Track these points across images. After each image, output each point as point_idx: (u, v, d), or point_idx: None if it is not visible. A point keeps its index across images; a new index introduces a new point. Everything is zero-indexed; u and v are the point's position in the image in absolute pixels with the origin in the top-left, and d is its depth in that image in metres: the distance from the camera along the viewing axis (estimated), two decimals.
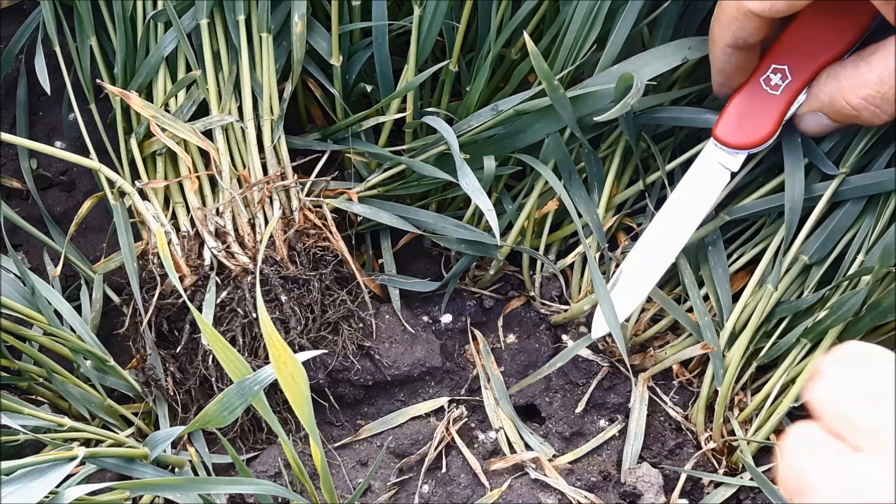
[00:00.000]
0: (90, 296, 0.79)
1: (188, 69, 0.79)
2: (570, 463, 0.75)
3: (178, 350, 0.74)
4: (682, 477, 0.75)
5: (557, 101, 0.71)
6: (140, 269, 0.76)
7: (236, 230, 0.76)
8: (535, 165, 0.75)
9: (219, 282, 0.74)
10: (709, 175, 0.73)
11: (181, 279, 0.73)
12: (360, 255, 0.84)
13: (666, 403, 0.78)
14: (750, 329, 0.74)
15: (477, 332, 0.81)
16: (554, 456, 0.76)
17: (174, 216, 0.78)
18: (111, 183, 0.78)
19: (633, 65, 0.72)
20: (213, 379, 0.73)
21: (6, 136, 0.74)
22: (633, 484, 0.74)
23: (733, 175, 0.73)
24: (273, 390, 0.68)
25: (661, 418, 0.78)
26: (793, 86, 0.69)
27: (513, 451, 0.76)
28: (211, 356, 0.73)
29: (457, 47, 0.77)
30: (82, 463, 0.59)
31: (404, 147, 0.80)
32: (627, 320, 0.78)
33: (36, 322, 0.71)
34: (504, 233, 0.79)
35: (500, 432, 0.77)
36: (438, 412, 0.78)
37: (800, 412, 0.78)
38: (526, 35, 0.69)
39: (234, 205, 0.76)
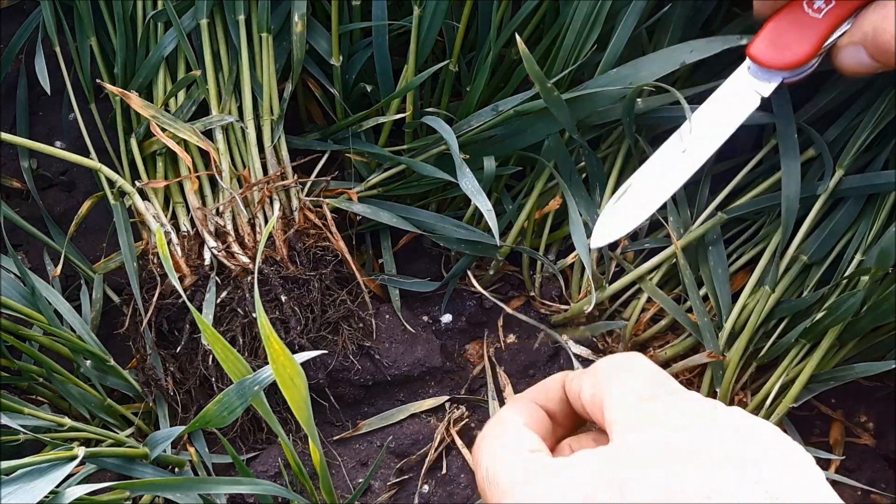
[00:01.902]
0: (90, 296, 0.79)
1: (188, 69, 0.79)
2: None
3: (178, 350, 0.74)
4: None
5: (552, 103, 0.71)
6: (140, 269, 0.76)
7: (236, 230, 0.76)
8: (537, 159, 0.75)
9: (219, 282, 0.74)
10: (737, 96, 0.68)
11: (181, 279, 0.73)
12: (360, 255, 0.84)
13: None
14: (749, 329, 0.74)
15: (479, 333, 0.81)
16: None
17: (174, 216, 0.78)
18: (111, 183, 0.78)
19: (633, 68, 0.72)
20: (213, 379, 0.73)
21: (6, 136, 0.74)
22: None
23: (763, 102, 0.69)
24: (273, 390, 0.68)
25: None
26: (837, 11, 0.64)
27: None
28: (211, 356, 0.73)
29: (457, 47, 0.77)
30: (82, 463, 0.59)
31: (404, 147, 0.80)
32: (627, 319, 0.78)
33: (36, 322, 0.71)
34: (504, 233, 0.79)
35: None
36: (439, 412, 0.78)
37: (799, 412, 0.78)
38: (518, 38, 0.69)
39: (234, 205, 0.76)
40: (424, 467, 0.75)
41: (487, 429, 0.54)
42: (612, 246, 0.81)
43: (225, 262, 0.74)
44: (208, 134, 0.78)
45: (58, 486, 0.55)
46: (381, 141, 0.82)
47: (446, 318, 0.82)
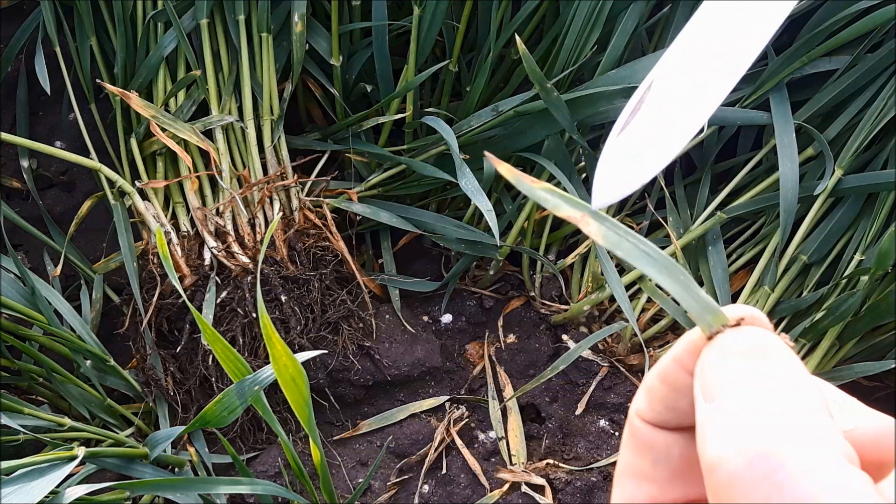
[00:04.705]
0: (90, 296, 0.79)
1: (188, 69, 0.79)
2: (569, 463, 0.75)
3: (178, 350, 0.74)
4: None
5: (551, 104, 0.71)
6: (140, 269, 0.76)
7: (236, 230, 0.76)
8: (538, 160, 0.76)
9: (219, 282, 0.74)
10: None
11: (181, 279, 0.73)
12: (360, 255, 0.84)
13: None
14: None
15: (479, 333, 0.81)
16: (555, 457, 0.76)
17: (174, 216, 0.78)
18: (111, 183, 0.78)
19: (633, 68, 0.72)
20: (213, 379, 0.73)
21: (6, 136, 0.74)
22: None
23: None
24: (273, 390, 0.68)
25: None
26: None
27: (512, 462, 0.76)
28: (211, 356, 0.73)
29: (457, 47, 0.77)
30: (82, 463, 0.59)
31: (404, 147, 0.80)
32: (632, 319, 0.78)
33: (36, 322, 0.71)
34: (504, 232, 0.79)
35: (501, 442, 0.77)
36: (439, 412, 0.78)
37: None
38: (518, 38, 0.69)
39: (235, 205, 0.76)
40: (424, 467, 0.75)
41: None
42: None
43: (225, 262, 0.74)
44: (208, 134, 0.78)
45: (58, 486, 0.55)
46: (381, 141, 0.82)
47: (446, 318, 0.82)
